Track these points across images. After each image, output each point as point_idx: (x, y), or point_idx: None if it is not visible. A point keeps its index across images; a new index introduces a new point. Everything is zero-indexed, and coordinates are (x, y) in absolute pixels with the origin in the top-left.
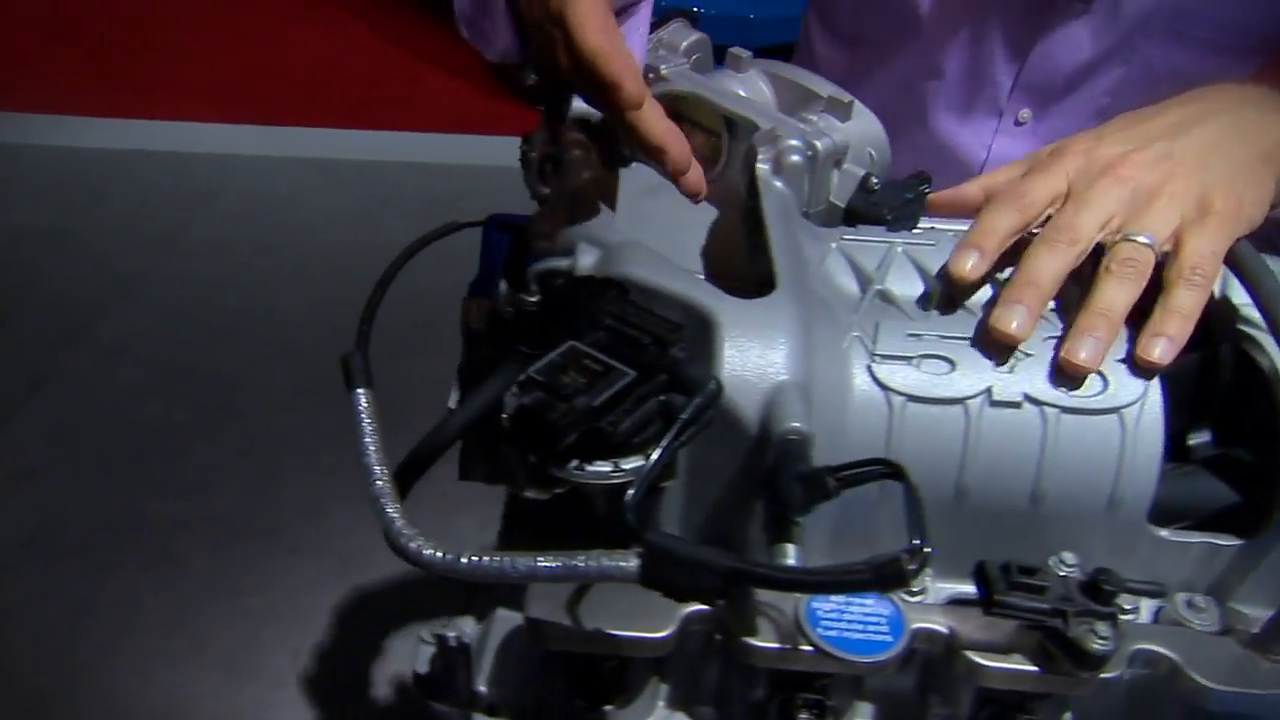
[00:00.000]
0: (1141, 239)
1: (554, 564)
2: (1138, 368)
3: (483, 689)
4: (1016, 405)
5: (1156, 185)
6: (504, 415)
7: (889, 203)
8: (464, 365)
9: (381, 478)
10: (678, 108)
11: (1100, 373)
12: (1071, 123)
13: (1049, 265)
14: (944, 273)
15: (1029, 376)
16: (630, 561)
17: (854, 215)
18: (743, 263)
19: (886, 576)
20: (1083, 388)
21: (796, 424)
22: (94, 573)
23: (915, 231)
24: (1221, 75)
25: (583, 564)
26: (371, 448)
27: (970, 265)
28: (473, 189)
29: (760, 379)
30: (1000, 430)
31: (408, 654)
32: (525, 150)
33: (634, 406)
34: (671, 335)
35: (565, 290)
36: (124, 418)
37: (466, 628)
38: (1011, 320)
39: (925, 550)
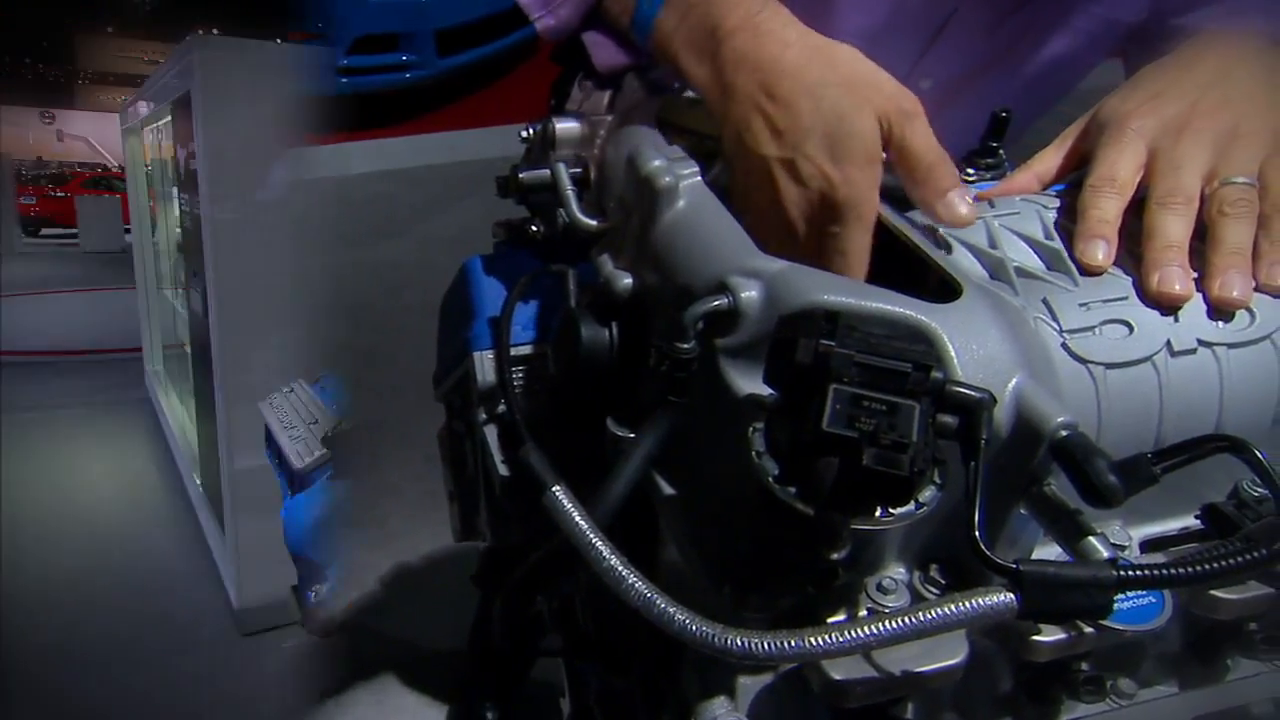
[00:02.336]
0: (1241, 180)
1: (923, 619)
2: (1273, 295)
3: None
4: (1193, 351)
5: (1230, 129)
6: (807, 484)
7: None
8: (546, 415)
9: (637, 579)
10: (668, 115)
11: (1248, 308)
12: None
13: (1177, 227)
14: (1076, 263)
15: (1192, 321)
16: (1006, 597)
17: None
18: None
19: None
20: (1234, 322)
21: (1063, 418)
22: None
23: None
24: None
25: (954, 611)
26: (605, 550)
27: (1102, 255)
28: None
29: (996, 381)
30: (1185, 377)
31: None
32: (532, 181)
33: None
34: (926, 358)
35: (783, 331)
36: None
37: (725, 709)
38: (1174, 283)
39: None
